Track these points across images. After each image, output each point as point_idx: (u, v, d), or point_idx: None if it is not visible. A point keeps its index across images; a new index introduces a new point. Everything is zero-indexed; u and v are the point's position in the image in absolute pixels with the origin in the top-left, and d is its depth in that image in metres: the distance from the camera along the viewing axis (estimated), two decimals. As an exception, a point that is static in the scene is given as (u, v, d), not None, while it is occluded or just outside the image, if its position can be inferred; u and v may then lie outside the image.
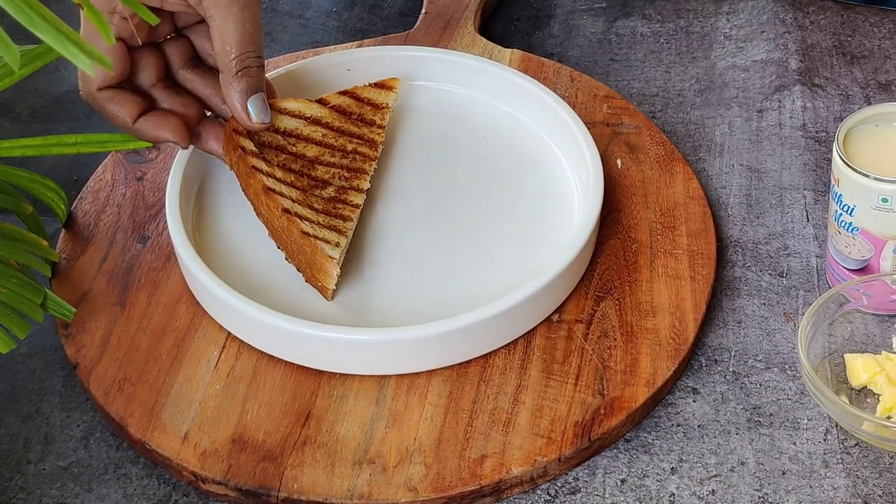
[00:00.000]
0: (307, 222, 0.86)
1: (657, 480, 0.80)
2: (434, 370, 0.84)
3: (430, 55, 1.03)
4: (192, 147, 0.92)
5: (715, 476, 0.80)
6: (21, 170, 0.89)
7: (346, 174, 0.91)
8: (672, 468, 0.80)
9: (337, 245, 0.85)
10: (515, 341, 0.85)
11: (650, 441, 0.82)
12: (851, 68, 1.09)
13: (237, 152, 0.89)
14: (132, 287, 0.89)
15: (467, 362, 0.84)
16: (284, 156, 0.91)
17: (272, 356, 0.85)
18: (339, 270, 0.85)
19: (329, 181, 0.90)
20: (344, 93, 0.96)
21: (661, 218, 0.94)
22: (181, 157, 0.93)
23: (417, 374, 0.83)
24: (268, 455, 0.79)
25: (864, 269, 0.87)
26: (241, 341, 0.85)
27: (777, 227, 0.95)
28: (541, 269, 0.85)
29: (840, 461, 0.80)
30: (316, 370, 0.84)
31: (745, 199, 0.97)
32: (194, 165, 0.93)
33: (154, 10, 0.87)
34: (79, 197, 0.96)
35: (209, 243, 0.91)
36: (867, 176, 0.83)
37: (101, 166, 0.99)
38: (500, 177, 0.96)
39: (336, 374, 0.84)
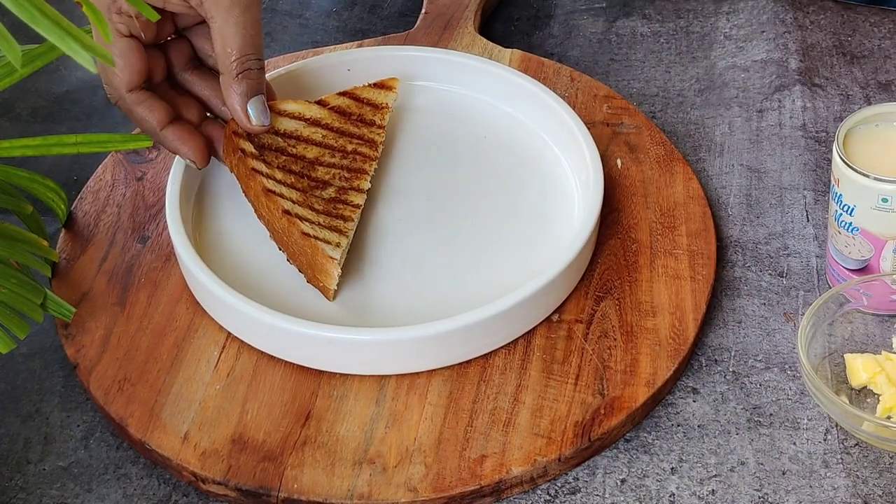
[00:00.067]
0: (307, 223, 0.86)
1: (657, 480, 0.80)
2: (434, 370, 0.84)
3: (430, 55, 1.03)
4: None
5: (715, 476, 0.80)
6: (21, 170, 0.89)
7: (346, 175, 0.91)
8: (672, 468, 0.80)
9: (338, 245, 0.85)
10: (515, 341, 0.85)
11: (650, 441, 0.82)
12: (851, 68, 1.09)
13: (237, 154, 0.89)
14: (132, 287, 0.89)
15: (467, 362, 0.84)
16: (284, 157, 0.91)
17: (272, 356, 0.85)
18: (339, 271, 0.85)
19: (329, 182, 0.90)
20: (343, 93, 0.96)
21: (661, 218, 0.94)
22: (181, 158, 0.92)
23: (417, 374, 0.83)
24: (268, 455, 0.79)
25: (864, 269, 0.87)
26: (241, 341, 0.85)
27: (777, 227, 0.95)
28: (541, 269, 0.85)
29: (840, 461, 0.80)
30: (316, 370, 0.84)
31: (745, 199, 0.97)
32: (194, 165, 0.94)
33: (156, 10, 0.87)
34: (79, 197, 0.96)
35: (209, 243, 0.91)
36: (867, 176, 0.83)
37: (101, 166, 0.99)
38: (500, 177, 0.96)
39: (336, 374, 0.84)
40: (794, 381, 0.85)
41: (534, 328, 0.86)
